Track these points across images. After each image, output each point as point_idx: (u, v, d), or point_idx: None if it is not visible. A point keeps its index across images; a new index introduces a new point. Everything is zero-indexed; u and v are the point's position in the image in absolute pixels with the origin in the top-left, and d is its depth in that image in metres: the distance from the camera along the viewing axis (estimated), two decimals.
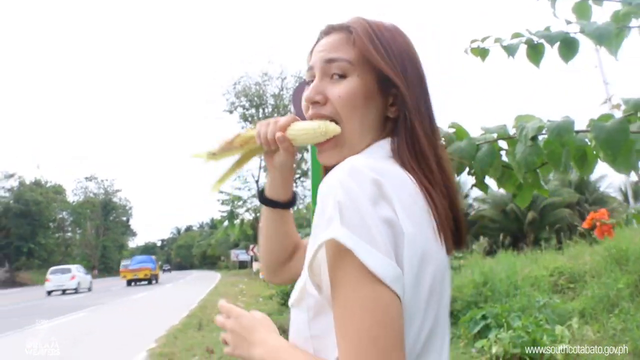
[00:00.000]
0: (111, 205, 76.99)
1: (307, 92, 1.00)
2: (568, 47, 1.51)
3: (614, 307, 7.61)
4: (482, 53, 1.67)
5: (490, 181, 1.69)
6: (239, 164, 1.20)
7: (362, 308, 0.75)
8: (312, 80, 1.01)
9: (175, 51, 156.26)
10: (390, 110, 1.00)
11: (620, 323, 6.99)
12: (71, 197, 71.76)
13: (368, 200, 0.78)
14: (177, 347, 8.04)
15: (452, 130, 1.70)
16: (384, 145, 0.96)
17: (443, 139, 1.69)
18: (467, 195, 33.49)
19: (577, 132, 1.39)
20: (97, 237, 72.15)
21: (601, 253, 9.97)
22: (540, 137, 1.45)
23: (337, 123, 0.98)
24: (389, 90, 0.98)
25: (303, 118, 1.06)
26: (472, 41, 1.68)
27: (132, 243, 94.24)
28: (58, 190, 64.77)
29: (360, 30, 0.97)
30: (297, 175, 27.60)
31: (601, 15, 1.46)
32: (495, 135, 1.61)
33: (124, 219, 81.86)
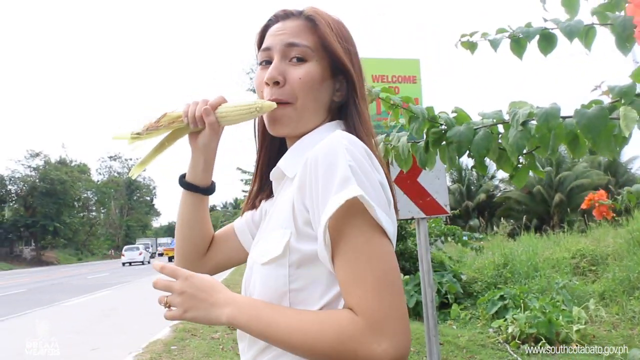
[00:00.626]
0: (135, 184, 76.05)
1: (268, 73, 1.04)
2: (547, 42, 1.59)
3: (634, 290, 7.58)
4: (471, 46, 1.75)
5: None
6: (163, 145, 1.17)
7: (378, 257, 0.83)
8: (267, 61, 1.07)
9: (200, 30, 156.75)
10: (337, 95, 1.08)
11: (639, 305, 6.99)
12: (95, 177, 71.62)
13: (369, 166, 0.87)
14: (199, 324, 8.23)
15: (453, 114, 1.77)
16: (337, 127, 1.05)
17: (444, 122, 1.76)
18: (493, 177, 33.11)
19: (564, 117, 1.46)
20: (121, 217, 72.09)
21: (624, 236, 9.88)
22: (533, 122, 1.52)
23: (292, 104, 1.03)
24: (337, 77, 1.07)
25: None
26: (462, 35, 1.76)
27: (156, 223, 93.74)
28: (83, 170, 64.53)
29: (321, 20, 1.05)
30: None
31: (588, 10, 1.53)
32: (493, 121, 1.68)
33: (148, 198, 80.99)
